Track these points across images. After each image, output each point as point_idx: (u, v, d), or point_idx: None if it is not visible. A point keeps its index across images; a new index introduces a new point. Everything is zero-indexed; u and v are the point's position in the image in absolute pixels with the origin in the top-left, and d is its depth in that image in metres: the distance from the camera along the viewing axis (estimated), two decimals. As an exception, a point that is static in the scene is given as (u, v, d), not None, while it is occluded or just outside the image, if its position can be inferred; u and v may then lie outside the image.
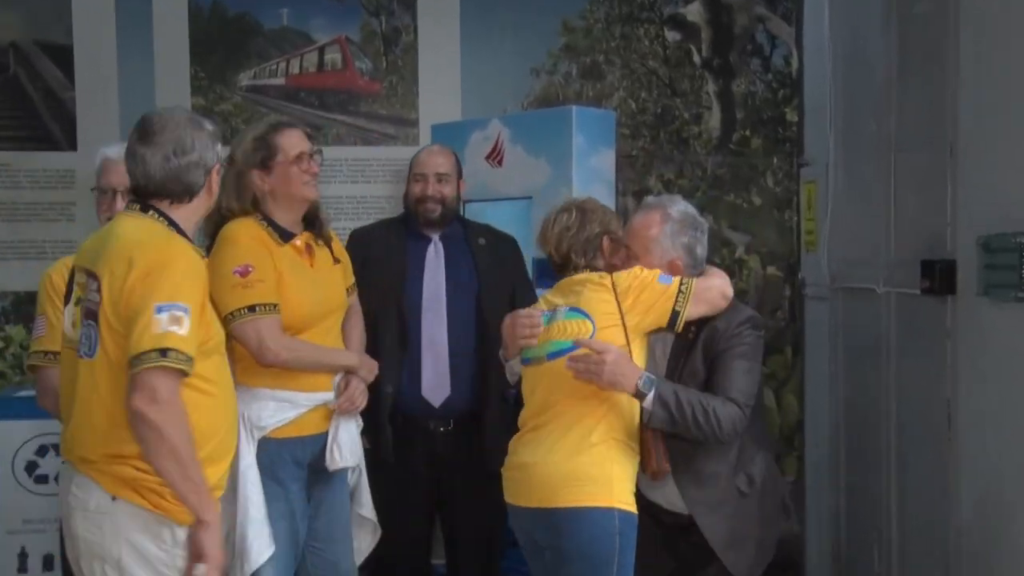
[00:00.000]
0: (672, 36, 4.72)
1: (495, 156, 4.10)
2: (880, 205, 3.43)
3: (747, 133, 4.72)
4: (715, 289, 2.73)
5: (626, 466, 2.66)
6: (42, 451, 3.94)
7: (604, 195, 3.72)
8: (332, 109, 4.68)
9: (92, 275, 2.19)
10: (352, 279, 3.06)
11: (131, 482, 2.17)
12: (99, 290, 2.16)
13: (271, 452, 2.74)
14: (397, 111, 4.69)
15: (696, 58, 4.75)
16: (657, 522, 2.84)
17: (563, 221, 2.77)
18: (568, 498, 2.59)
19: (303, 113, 4.64)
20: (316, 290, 2.82)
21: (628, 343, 2.65)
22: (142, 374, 2.09)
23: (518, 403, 2.95)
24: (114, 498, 2.18)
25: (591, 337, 2.63)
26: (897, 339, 3.34)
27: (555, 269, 2.83)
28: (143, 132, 2.29)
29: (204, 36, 4.60)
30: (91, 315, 2.16)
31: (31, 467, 3.95)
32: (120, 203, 2.80)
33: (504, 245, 3.52)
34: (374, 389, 3.03)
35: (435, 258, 3.41)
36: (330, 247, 2.98)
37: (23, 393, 4.02)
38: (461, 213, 3.65)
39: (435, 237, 3.43)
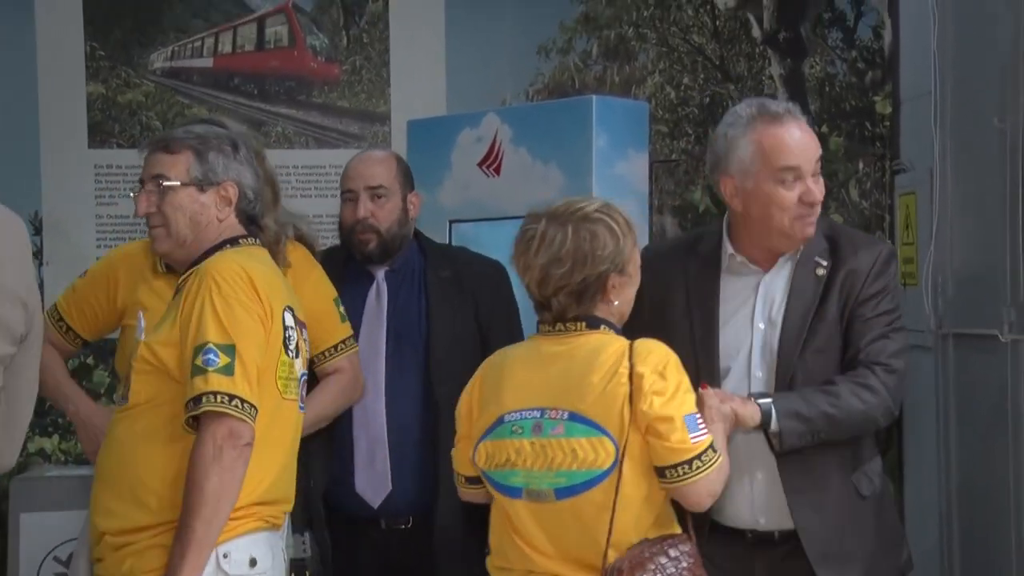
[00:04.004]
0: (724, 2, 4.75)
1: (491, 162, 4.10)
2: (1003, 224, 3.41)
3: (823, 130, 4.72)
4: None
5: None
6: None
7: (634, 211, 3.68)
8: (276, 100, 4.70)
9: (303, 325, 2.72)
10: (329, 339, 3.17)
11: None
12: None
13: None
14: (362, 103, 4.70)
15: (756, 31, 4.77)
16: (732, 544, 2.81)
17: (554, 245, 2.49)
18: None
19: (237, 106, 4.66)
20: None
21: (620, 466, 2.42)
22: None
23: None
24: None
25: (614, 466, 2.41)
26: (1030, 402, 3.33)
27: (534, 305, 2.59)
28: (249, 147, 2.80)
29: (104, 1, 4.60)
30: (308, 365, 2.78)
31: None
32: None
33: (478, 275, 3.45)
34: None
35: (375, 305, 3.36)
36: None
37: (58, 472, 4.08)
38: (413, 236, 3.55)
39: (380, 274, 3.38)
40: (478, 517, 3.27)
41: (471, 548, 3.29)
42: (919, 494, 4.26)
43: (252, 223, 2.75)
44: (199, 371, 2.44)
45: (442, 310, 3.33)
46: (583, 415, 2.44)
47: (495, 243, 3.81)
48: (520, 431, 2.49)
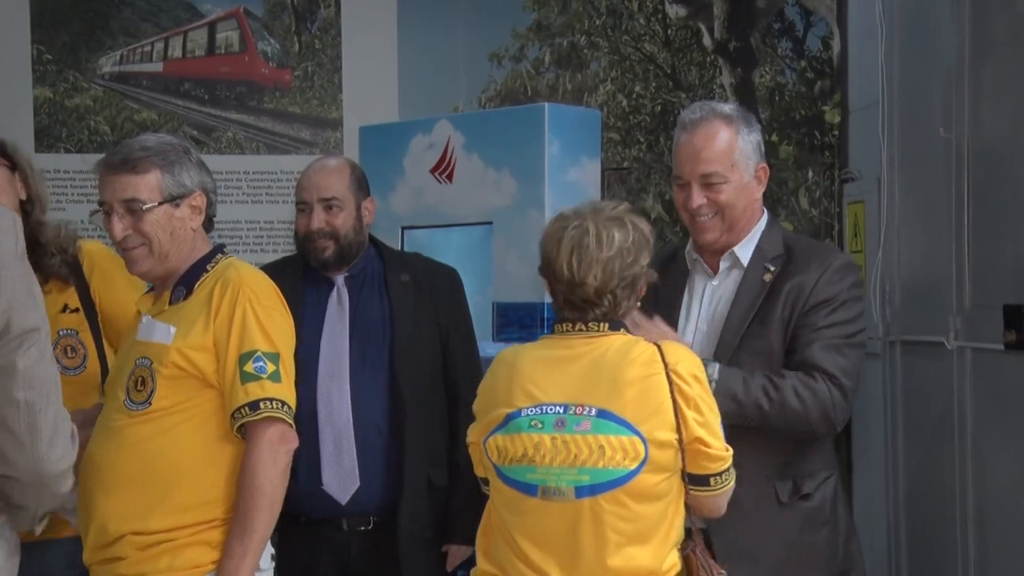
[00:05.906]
0: (675, 11, 4.78)
1: (444, 169, 4.11)
2: (950, 233, 3.45)
3: (773, 138, 4.76)
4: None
5: None
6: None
7: (588, 219, 3.71)
8: (226, 106, 4.68)
9: None
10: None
11: None
12: None
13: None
14: (314, 109, 4.69)
15: (707, 40, 4.80)
16: None
17: (617, 242, 2.43)
18: None
19: (187, 111, 4.63)
20: None
21: (682, 468, 2.39)
22: None
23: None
24: None
25: (640, 467, 2.34)
26: (975, 407, 3.36)
27: (561, 306, 2.50)
28: None
29: (51, 4, 4.56)
30: None
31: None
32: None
33: (435, 280, 3.48)
34: None
35: (337, 308, 3.37)
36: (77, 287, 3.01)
37: None
38: (370, 242, 3.56)
39: (339, 279, 3.40)
40: (441, 518, 3.31)
41: (434, 550, 3.32)
42: (867, 500, 4.28)
43: (210, 223, 2.78)
44: (252, 378, 2.53)
45: (405, 312, 3.35)
46: (614, 413, 2.36)
47: (447, 249, 3.84)
48: (539, 425, 2.39)
